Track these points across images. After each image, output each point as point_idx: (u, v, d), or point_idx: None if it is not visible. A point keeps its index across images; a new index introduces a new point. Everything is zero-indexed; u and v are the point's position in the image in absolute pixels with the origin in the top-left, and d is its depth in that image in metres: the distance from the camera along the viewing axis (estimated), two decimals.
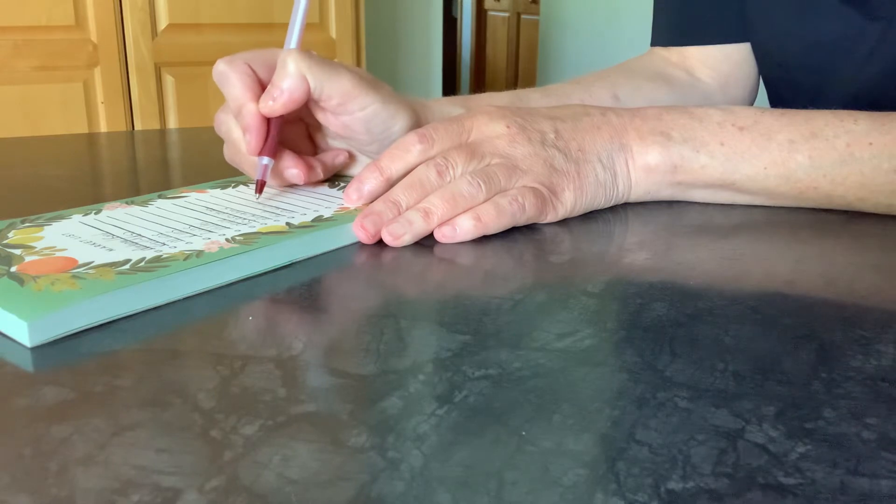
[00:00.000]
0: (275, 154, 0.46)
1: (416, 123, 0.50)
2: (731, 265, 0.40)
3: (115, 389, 0.26)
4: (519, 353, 0.29)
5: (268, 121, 0.46)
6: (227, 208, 0.44)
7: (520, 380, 0.27)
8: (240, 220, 0.41)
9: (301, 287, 0.36)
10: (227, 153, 0.50)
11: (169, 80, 1.74)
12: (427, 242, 0.42)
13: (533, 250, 0.42)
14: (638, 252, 0.41)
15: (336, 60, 0.49)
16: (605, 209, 0.49)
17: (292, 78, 0.45)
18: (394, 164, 0.45)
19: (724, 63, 0.70)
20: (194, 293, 0.35)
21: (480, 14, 4.93)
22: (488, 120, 0.46)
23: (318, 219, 0.42)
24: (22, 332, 0.29)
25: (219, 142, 0.52)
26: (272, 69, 0.46)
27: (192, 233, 0.39)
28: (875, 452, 0.23)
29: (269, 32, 1.82)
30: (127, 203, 0.45)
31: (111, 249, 0.37)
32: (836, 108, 0.47)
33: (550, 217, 0.45)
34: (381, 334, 0.31)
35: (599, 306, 0.34)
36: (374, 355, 0.29)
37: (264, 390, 0.26)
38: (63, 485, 0.21)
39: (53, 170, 0.60)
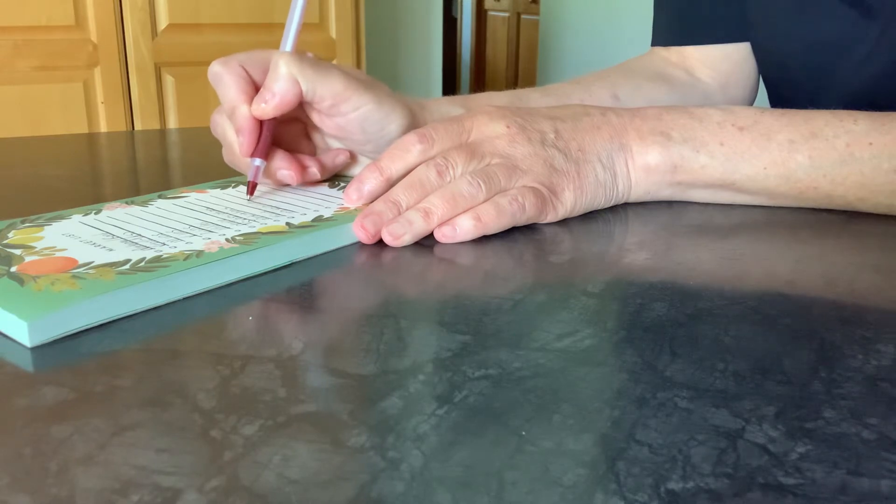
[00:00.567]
0: (267, 155, 0.47)
1: (413, 123, 0.50)
2: (731, 265, 0.40)
3: (115, 389, 0.26)
4: (519, 353, 0.29)
5: (260, 122, 0.46)
6: (226, 208, 0.44)
7: (520, 380, 0.27)
8: (240, 220, 0.41)
9: (301, 287, 0.36)
10: (225, 155, 0.50)
11: (169, 80, 1.74)
12: (427, 242, 0.42)
13: (533, 250, 0.42)
14: (638, 252, 0.41)
15: (334, 62, 0.49)
16: (605, 209, 0.49)
17: (284, 81, 0.45)
18: (394, 164, 0.45)
19: (724, 63, 0.70)
20: (194, 293, 0.35)
21: (480, 14, 4.93)
22: (488, 120, 0.46)
23: (318, 219, 0.42)
24: (22, 332, 0.29)
25: (218, 142, 0.52)
26: (266, 70, 0.46)
27: (192, 233, 0.39)
28: (875, 452, 0.23)
29: (269, 32, 1.82)
30: (127, 203, 0.45)
31: (111, 249, 0.37)
32: (835, 108, 0.47)
33: (550, 217, 0.45)
34: (381, 334, 0.31)
35: (599, 306, 0.34)
36: (374, 355, 0.29)
37: (264, 390, 0.26)
38: (63, 485, 0.21)
39: (53, 170, 0.60)
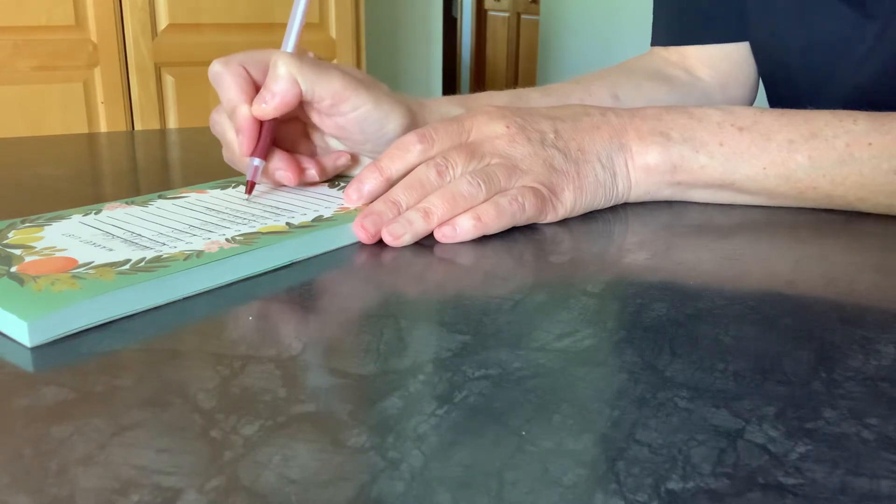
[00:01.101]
0: (266, 155, 0.47)
1: (412, 122, 0.50)
2: (731, 265, 0.40)
3: (115, 389, 0.26)
4: (519, 353, 0.29)
5: (260, 122, 0.47)
6: (227, 208, 0.44)
7: (520, 380, 0.27)
8: (240, 220, 0.41)
9: (301, 287, 0.36)
10: (225, 154, 0.50)
11: (169, 80, 1.74)
12: (427, 242, 0.42)
13: (533, 250, 0.42)
14: (638, 252, 0.41)
15: (334, 61, 0.49)
16: (605, 209, 0.49)
17: (283, 81, 0.45)
18: (394, 164, 0.45)
19: (724, 62, 0.70)
20: (194, 293, 0.35)
21: (480, 14, 4.93)
22: (488, 120, 0.46)
23: (319, 219, 0.42)
24: (22, 332, 0.29)
25: (218, 142, 0.52)
26: (266, 70, 0.47)
27: (193, 233, 0.39)
28: (875, 452, 0.23)
29: (270, 32, 1.82)
30: (127, 203, 0.45)
31: (111, 249, 0.37)
32: (834, 108, 0.47)
33: (550, 217, 0.45)
34: (381, 334, 0.31)
35: (599, 306, 0.34)
36: (374, 355, 0.29)
37: (264, 390, 0.26)
38: (63, 485, 0.21)
39: (53, 170, 0.60)
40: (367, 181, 0.45)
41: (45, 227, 0.40)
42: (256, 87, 0.47)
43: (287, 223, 0.41)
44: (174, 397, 0.26)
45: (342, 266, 0.39)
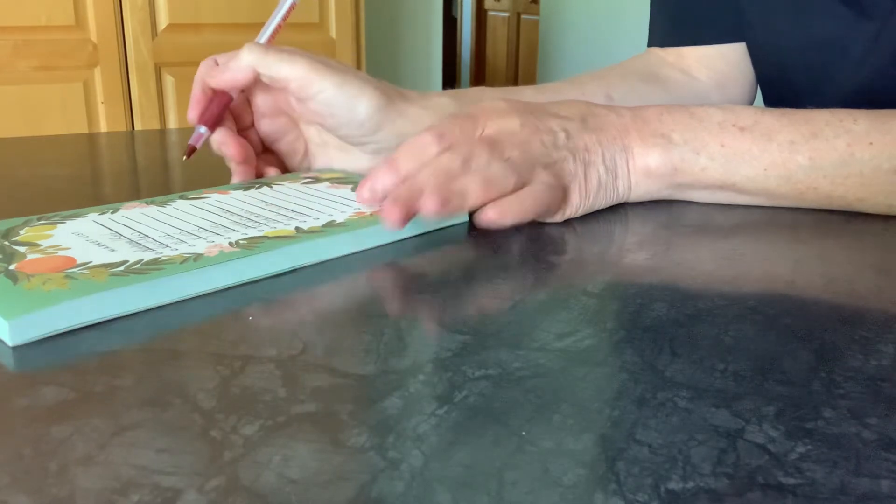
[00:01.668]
0: (213, 126, 0.50)
1: (386, 106, 0.50)
2: (731, 265, 0.40)
3: (115, 389, 0.26)
4: (519, 353, 0.29)
5: (211, 97, 0.51)
6: (243, 210, 0.43)
7: (520, 380, 0.27)
8: (250, 224, 0.41)
9: (301, 287, 0.36)
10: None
11: (169, 80, 1.74)
12: (427, 242, 0.42)
13: (533, 250, 0.42)
14: (638, 252, 0.41)
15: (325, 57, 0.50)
16: (606, 209, 0.49)
17: (237, 60, 0.49)
18: (409, 161, 0.43)
19: (721, 63, 0.70)
20: (189, 297, 0.34)
21: (480, 14, 4.93)
22: (501, 115, 0.45)
23: (330, 224, 0.41)
24: (4, 331, 0.29)
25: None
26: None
27: (200, 235, 0.39)
28: (875, 452, 0.23)
29: None
30: (146, 203, 0.44)
31: (113, 250, 0.36)
32: (833, 108, 0.47)
33: (558, 217, 0.45)
34: (381, 334, 0.31)
35: (599, 306, 0.34)
36: (374, 355, 0.29)
37: (264, 390, 0.26)
38: (63, 485, 0.21)
39: (53, 170, 0.60)
40: (379, 179, 0.43)
41: (59, 226, 0.40)
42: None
43: (296, 227, 0.40)
44: (174, 397, 0.26)
45: (343, 267, 0.39)
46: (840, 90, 0.60)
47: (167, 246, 0.37)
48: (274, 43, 0.53)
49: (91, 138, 0.95)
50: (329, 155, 0.54)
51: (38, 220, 0.41)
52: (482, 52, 4.93)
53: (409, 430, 0.24)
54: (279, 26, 0.54)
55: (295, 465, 0.22)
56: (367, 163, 0.53)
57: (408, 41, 2.55)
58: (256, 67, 0.48)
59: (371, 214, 0.42)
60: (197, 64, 0.52)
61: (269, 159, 0.54)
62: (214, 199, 0.46)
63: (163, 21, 1.71)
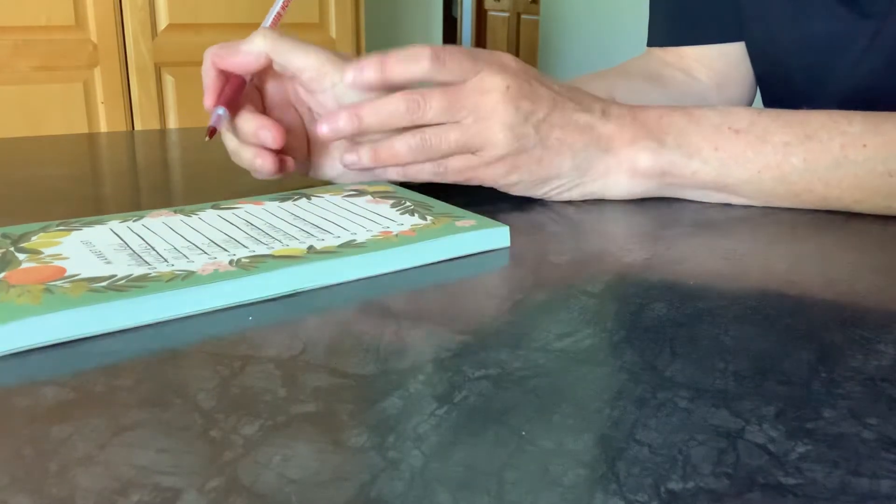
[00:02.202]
0: (231, 108, 0.48)
1: None
2: (730, 265, 0.40)
3: (115, 389, 0.26)
4: (519, 353, 0.29)
5: (224, 80, 0.49)
6: (266, 224, 0.41)
7: (520, 380, 0.27)
8: (265, 240, 0.38)
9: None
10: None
11: (169, 80, 1.75)
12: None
13: (533, 250, 0.42)
14: (638, 252, 0.41)
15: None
16: (606, 208, 0.49)
17: (249, 44, 0.48)
18: (398, 68, 0.45)
19: (721, 62, 0.70)
20: (170, 318, 0.32)
21: (480, 14, 4.93)
22: (496, 71, 0.45)
23: (348, 244, 0.38)
24: None
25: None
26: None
27: (206, 250, 0.36)
28: (875, 452, 0.23)
29: None
30: (174, 212, 0.42)
31: (109, 262, 0.34)
32: (830, 107, 0.47)
33: (486, 184, 0.48)
34: (381, 334, 0.31)
35: (599, 306, 0.34)
36: (374, 355, 0.29)
37: (264, 390, 0.26)
38: (63, 485, 0.21)
39: (53, 170, 0.60)
40: (366, 69, 0.45)
41: (73, 233, 0.38)
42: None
43: (310, 246, 0.37)
44: (174, 397, 0.26)
45: None
46: (839, 89, 0.60)
47: (166, 261, 0.35)
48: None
49: (91, 138, 0.95)
50: (332, 157, 0.53)
51: (58, 225, 0.39)
52: None
53: (409, 431, 0.24)
54: (279, 14, 0.53)
55: (295, 465, 0.22)
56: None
57: (408, 41, 2.54)
58: (270, 53, 0.47)
59: (396, 236, 0.40)
60: (197, 64, 0.51)
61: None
62: (244, 210, 0.43)
63: (163, 21, 1.71)
